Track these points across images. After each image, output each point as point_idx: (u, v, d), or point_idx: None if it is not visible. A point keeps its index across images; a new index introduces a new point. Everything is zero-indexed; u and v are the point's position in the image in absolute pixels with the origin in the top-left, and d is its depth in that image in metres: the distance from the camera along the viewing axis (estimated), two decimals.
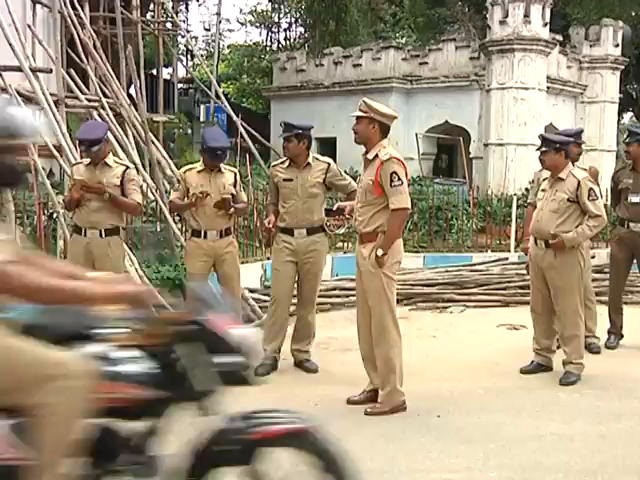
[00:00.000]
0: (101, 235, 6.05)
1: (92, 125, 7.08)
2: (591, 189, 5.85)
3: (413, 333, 7.77)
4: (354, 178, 6.90)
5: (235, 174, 6.37)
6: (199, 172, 6.28)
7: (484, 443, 4.54)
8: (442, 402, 5.39)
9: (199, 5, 32.89)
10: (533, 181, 7.04)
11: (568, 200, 5.86)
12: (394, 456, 4.33)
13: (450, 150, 19.58)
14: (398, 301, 9.45)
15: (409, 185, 5.23)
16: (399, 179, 4.92)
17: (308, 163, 6.15)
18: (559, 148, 5.92)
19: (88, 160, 6.19)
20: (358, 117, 5.10)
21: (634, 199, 7.00)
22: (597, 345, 6.91)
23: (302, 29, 29.43)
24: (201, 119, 23.92)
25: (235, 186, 6.32)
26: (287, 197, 6.15)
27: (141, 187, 6.58)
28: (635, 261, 7.24)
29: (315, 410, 5.21)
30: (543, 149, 5.98)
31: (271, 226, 6.22)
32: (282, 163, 6.27)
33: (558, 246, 5.86)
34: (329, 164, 6.23)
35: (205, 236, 6.23)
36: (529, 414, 5.10)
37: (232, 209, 6.23)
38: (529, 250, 6.30)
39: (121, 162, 6.49)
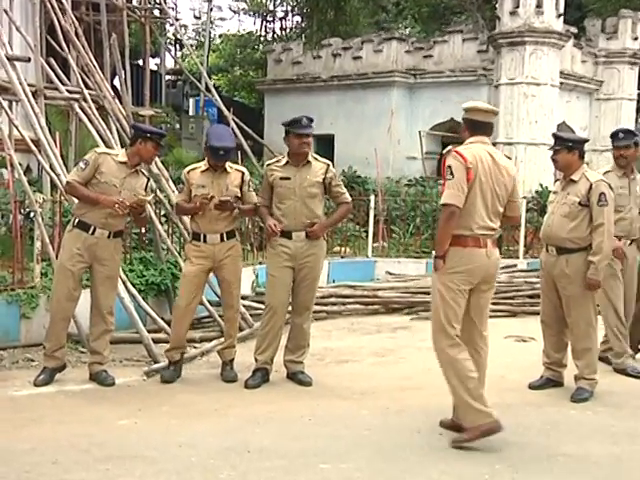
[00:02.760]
0: (109, 236, 6.05)
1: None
2: (602, 193, 5.84)
3: (415, 344, 7.76)
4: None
5: (243, 174, 6.33)
6: (203, 172, 6.27)
7: (490, 464, 4.53)
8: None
9: None
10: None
11: (580, 204, 5.86)
12: (393, 476, 4.31)
13: None
14: (397, 310, 9.59)
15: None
16: (451, 173, 4.75)
17: (308, 161, 6.17)
18: (572, 147, 5.93)
19: (122, 158, 6.11)
20: None
21: None
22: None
23: (299, 18, 29.51)
24: (190, 113, 23.92)
25: (242, 187, 6.29)
26: (284, 197, 6.13)
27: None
28: None
29: (308, 426, 5.21)
30: (555, 148, 5.99)
31: (279, 229, 6.11)
32: (278, 162, 6.26)
33: (596, 287, 5.90)
34: (328, 165, 6.28)
35: (205, 240, 6.23)
36: (538, 433, 5.08)
37: (236, 210, 6.20)
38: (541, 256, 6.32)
39: (142, 171, 6.39)
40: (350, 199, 6.44)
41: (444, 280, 4.83)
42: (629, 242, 6.77)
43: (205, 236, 6.22)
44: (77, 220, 6.06)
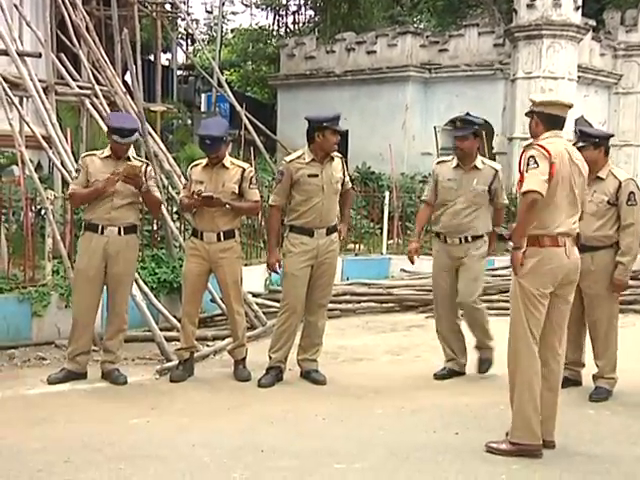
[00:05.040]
0: (119, 233, 6.07)
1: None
2: (632, 192, 5.81)
3: (429, 343, 7.75)
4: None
5: (243, 170, 6.28)
6: (203, 168, 6.29)
7: (506, 463, 4.52)
8: (460, 418, 5.37)
9: None
10: (430, 175, 6.96)
11: (608, 202, 5.82)
12: (408, 476, 4.31)
13: None
14: (412, 308, 9.58)
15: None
16: (535, 162, 4.57)
17: (332, 157, 6.17)
18: (598, 143, 5.85)
19: (105, 153, 6.18)
20: (527, 115, 4.90)
21: None
22: None
23: (312, 12, 29.42)
24: (202, 109, 23.91)
25: (242, 183, 6.26)
26: (311, 194, 6.09)
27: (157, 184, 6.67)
28: None
29: (323, 425, 5.22)
30: (580, 144, 5.85)
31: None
32: (299, 157, 6.20)
33: (624, 288, 5.93)
34: (342, 158, 6.34)
35: (202, 237, 6.24)
36: (556, 433, 5.05)
37: (227, 206, 6.15)
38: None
39: (138, 158, 6.48)
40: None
41: (525, 284, 4.66)
42: (458, 240, 6.42)
43: (202, 233, 6.24)
44: (87, 223, 6.14)
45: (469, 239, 6.38)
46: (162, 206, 6.89)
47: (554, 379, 4.80)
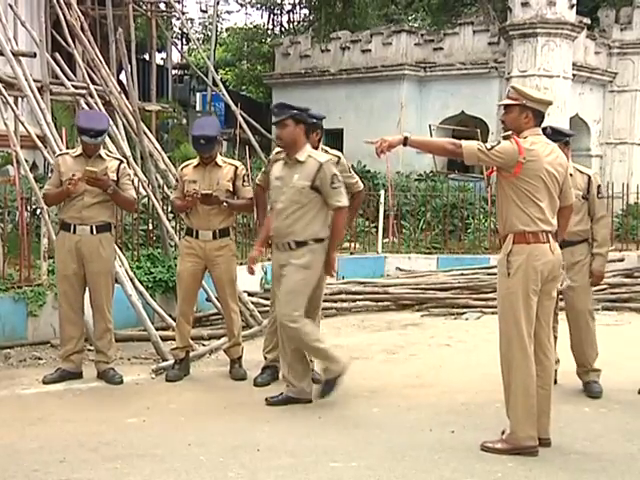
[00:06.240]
0: (92, 232, 6.05)
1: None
2: (599, 186, 5.99)
3: (425, 341, 7.77)
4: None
5: (236, 168, 6.32)
6: (195, 167, 6.30)
7: (502, 462, 4.52)
8: (456, 416, 5.37)
9: None
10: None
11: (583, 197, 5.89)
12: (404, 475, 4.31)
13: None
14: (407, 306, 9.60)
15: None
16: (494, 146, 4.69)
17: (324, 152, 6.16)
18: (568, 142, 5.96)
19: (77, 151, 6.19)
20: (507, 105, 4.85)
21: None
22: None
23: (307, 11, 29.41)
24: (197, 108, 23.92)
25: (235, 181, 6.28)
26: None
27: (132, 182, 6.61)
28: None
29: (318, 424, 5.22)
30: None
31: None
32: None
33: (602, 279, 6.04)
34: (340, 157, 6.24)
35: (197, 236, 6.24)
36: (551, 430, 5.06)
37: (224, 204, 6.16)
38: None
39: (113, 155, 6.51)
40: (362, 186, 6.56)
41: (516, 283, 4.64)
42: (282, 246, 5.65)
43: (197, 232, 6.23)
44: (61, 222, 6.16)
45: (292, 245, 5.57)
46: (135, 204, 6.82)
47: (547, 375, 4.80)
